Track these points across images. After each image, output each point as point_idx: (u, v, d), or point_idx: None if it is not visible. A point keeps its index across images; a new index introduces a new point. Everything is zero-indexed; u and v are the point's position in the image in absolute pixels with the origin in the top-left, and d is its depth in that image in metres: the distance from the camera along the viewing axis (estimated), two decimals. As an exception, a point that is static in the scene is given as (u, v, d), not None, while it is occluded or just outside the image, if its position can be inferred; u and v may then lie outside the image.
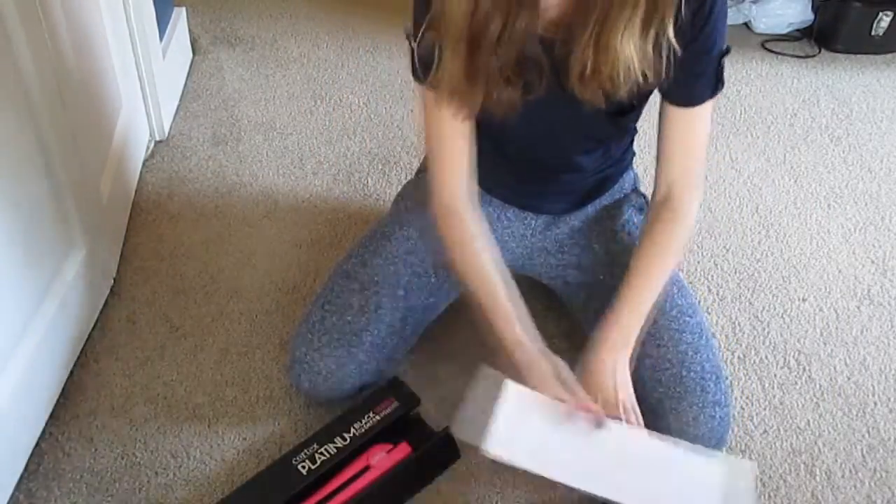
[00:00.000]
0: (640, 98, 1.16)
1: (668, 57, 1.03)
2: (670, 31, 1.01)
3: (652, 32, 1.01)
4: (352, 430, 1.21)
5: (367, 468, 1.18)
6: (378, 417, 1.23)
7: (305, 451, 1.18)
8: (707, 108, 1.16)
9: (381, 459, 1.19)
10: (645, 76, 1.03)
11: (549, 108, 1.14)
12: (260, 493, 1.15)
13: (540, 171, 1.31)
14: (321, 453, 1.18)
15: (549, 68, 1.08)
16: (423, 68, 1.11)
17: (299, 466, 1.17)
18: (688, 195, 1.22)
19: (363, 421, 1.22)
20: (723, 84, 1.14)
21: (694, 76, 1.11)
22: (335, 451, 1.18)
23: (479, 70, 1.06)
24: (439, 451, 1.24)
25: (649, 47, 1.02)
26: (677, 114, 1.17)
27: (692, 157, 1.21)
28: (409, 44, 1.12)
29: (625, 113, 1.19)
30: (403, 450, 1.21)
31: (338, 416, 1.24)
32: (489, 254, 1.22)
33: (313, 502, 1.14)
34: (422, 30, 1.07)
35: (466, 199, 1.24)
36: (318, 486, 1.15)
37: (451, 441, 1.24)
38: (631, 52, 1.00)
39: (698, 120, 1.18)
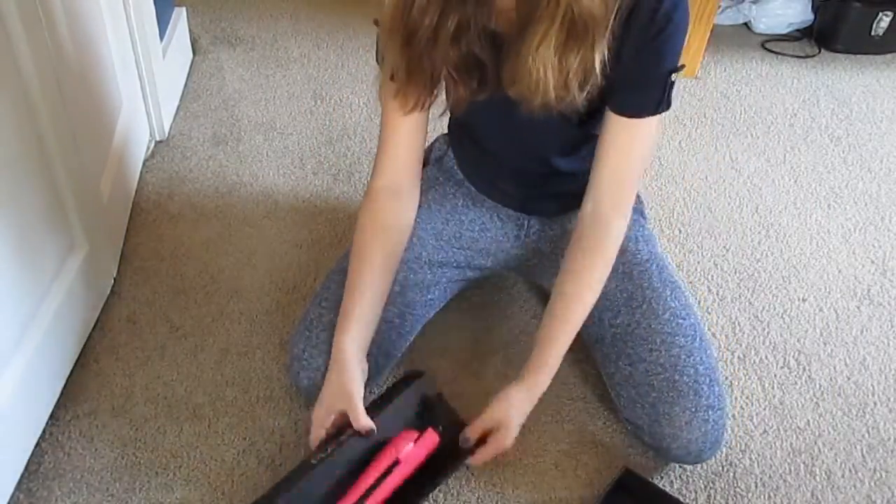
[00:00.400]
0: (595, 110, 1.13)
1: (592, 86, 1.02)
2: (597, 62, 0.99)
3: (574, 57, 0.99)
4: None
5: (397, 462, 1.13)
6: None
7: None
8: (649, 125, 1.12)
9: (410, 452, 1.13)
10: (560, 97, 1.02)
11: (507, 110, 1.12)
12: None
13: (524, 173, 1.31)
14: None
15: (494, 68, 1.08)
16: (379, 56, 1.14)
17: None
18: (615, 220, 1.17)
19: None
20: (668, 104, 1.11)
21: (637, 86, 1.08)
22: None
23: (417, 65, 1.06)
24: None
25: (570, 70, 1.00)
26: (617, 123, 1.12)
27: (625, 176, 1.16)
28: (377, 28, 1.14)
29: (589, 119, 1.16)
30: (431, 438, 1.16)
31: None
32: (378, 259, 1.22)
33: (349, 502, 1.10)
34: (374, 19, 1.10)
35: (398, 193, 1.25)
36: (350, 483, 1.11)
37: None
38: (540, 68, 0.99)
39: (638, 135, 1.13)
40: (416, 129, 1.22)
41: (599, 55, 1.00)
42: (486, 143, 1.29)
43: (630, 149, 1.15)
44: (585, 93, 1.03)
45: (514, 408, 1.15)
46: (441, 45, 1.04)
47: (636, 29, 1.02)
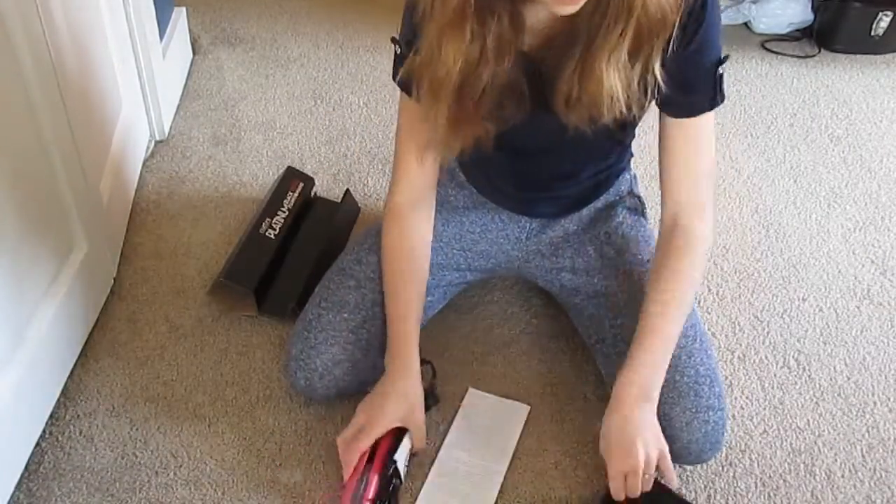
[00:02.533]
0: (630, 121, 1.14)
1: (652, 90, 1.01)
2: (657, 67, 0.99)
3: (639, 65, 0.99)
4: (284, 204, 1.58)
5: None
6: (296, 195, 1.61)
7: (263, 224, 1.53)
8: (707, 120, 1.12)
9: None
10: (629, 108, 1.02)
11: (539, 128, 1.13)
12: (247, 262, 1.47)
13: (536, 179, 1.31)
14: (276, 223, 1.53)
15: (534, 91, 1.07)
16: (403, 74, 1.10)
17: (267, 233, 1.51)
18: (697, 220, 1.17)
19: (288, 198, 1.59)
20: (723, 97, 1.11)
21: (688, 88, 1.08)
22: (283, 218, 1.55)
23: (463, 117, 1.04)
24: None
25: (636, 79, 1.00)
26: (676, 126, 1.13)
27: (697, 175, 1.16)
28: (394, 46, 1.13)
29: (622, 129, 1.16)
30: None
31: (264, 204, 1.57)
32: (415, 271, 1.24)
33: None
34: (403, 26, 1.07)
35: (419, 204, 1.25)
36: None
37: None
38: (616, 81, 0.98)
39: (699, 133, 1.13)
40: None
41: (659, 58, 0.99)
42: (503, 157, 1.25)
43: (696, 149, 1.14)
44: (650, 98, 1.03)
45: (629, 424, 1.11)
46: (490, 92, 1.02)
47: (678, 31, 1.01)
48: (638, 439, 1.09)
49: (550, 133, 1.13)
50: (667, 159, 1.16)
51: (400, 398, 1.19)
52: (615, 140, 1.21)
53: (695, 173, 1.16)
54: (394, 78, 1.16)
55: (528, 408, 1.32)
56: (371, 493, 1.11)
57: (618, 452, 1.10)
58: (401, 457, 1.17)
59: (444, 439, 1.27)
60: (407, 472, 1.20)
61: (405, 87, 1.12)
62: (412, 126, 1.17)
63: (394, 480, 1.16)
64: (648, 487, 1.10)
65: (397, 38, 1.12)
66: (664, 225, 1.19)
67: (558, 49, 1.02)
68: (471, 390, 1.33)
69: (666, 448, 1.12)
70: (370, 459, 1.15)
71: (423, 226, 1.27)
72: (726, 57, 1.09)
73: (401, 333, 1.23)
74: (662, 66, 1.01)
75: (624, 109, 1.01)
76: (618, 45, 0.96)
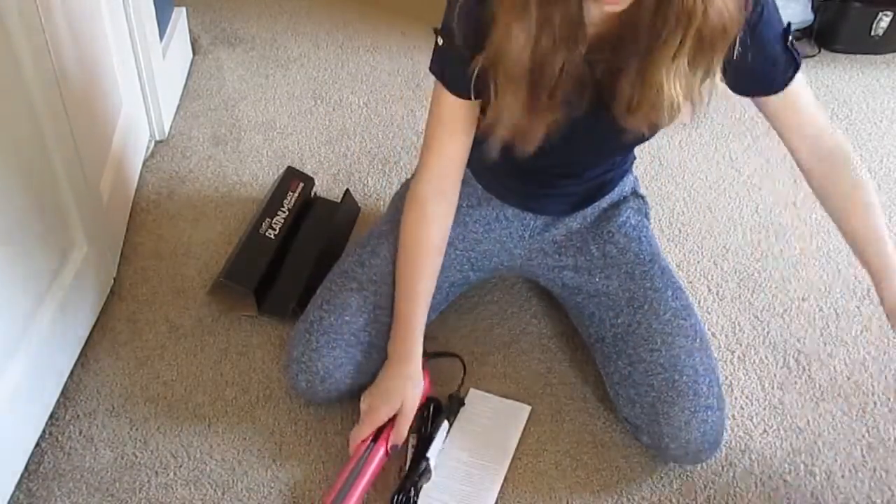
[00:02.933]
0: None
1: (710, 93, 1.03)
2: (719, 74, 1.00)
3: (700, 71, 1.00)
4: (284, 204, 1.58)
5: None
6: (296, 195, 1.61)
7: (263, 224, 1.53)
8: (799, 82, 1.14)
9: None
10: (686, 112, 1.03)
11: (584, 128, 1.13)
12: (247, 262, 1.47)
13: (545, 177, 1.31)
14: (276, 223, 1.54)
15: (592, 90, 1.07)
16: (441, 64, 1.13)
17: (267, 233, 1.52)
18: (836, 144, 1.18)
19: (288, 198, 1.60)
20: (800, 60, 1.12)
21: (769, 66, 1.10)
22: (283, 218, 1.55)
23: (540, 104, 1.05)
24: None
25: (697, 85, 1.01)
26: (775, 101, 1.15)
27: (815, 126, 1.18)
28: (435, 39, 1.13)
29: (653, 131, 1.17)
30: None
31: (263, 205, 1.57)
32: (432, 261, 1.25)
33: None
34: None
35: (444, 191, 1.25)
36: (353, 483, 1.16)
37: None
38: (677, 88, 0.99)
39: (798, 96, 1.16)
40: (467, 145, 1.21)
41: (721, 65, 1.00)
42: (519, 154, 1.24)
43: (802, 109, 1.17)
44: (708, 100, 1.04)
45: None
46: (565, 80, 1.02)
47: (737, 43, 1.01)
48: None
49: (597, 134, 1.14)
50: (786, 131, 1.19)
51: (399, 383, 1.20)
52: (643, 141, 1.22)
53: (813, 126, 1.18)
54: (431, 68, 1.16)
55: (529, 408, 1.32)
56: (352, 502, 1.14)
57: None
58: (434, 453, 1.20)
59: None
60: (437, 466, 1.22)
61: (476, 90, 1.10)
62: (448, 117, 1.17)
63: (422, 478, 1.19)
64: None
65: (438, 29, 1.12)
66: (810, 166, 1.20)
67: (616, 51, 1.02)
68: (472, 391, 1.33)
69: None
70: (374, 439, 1.18)
71: (443, 219, 1.26)
72: (789, 25, 1.10)
73: (406, 320, 1.23)
74: (724, 72, 1.02)
75: (686, 117, 1.03)
76: (678, 53, 0.96)
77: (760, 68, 1.09)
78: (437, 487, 1.19)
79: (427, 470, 1.18)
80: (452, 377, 1.37)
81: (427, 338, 1.27)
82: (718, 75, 1.01)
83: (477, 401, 1.33)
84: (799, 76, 1.14)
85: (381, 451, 1.18)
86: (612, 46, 1.03)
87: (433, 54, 1.15)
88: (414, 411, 1.21)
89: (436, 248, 1.26)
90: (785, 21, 1.09)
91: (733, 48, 1.01)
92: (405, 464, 1.21)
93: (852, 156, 1.19)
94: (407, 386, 1.20)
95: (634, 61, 1.00)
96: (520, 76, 1.01)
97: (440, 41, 1.12)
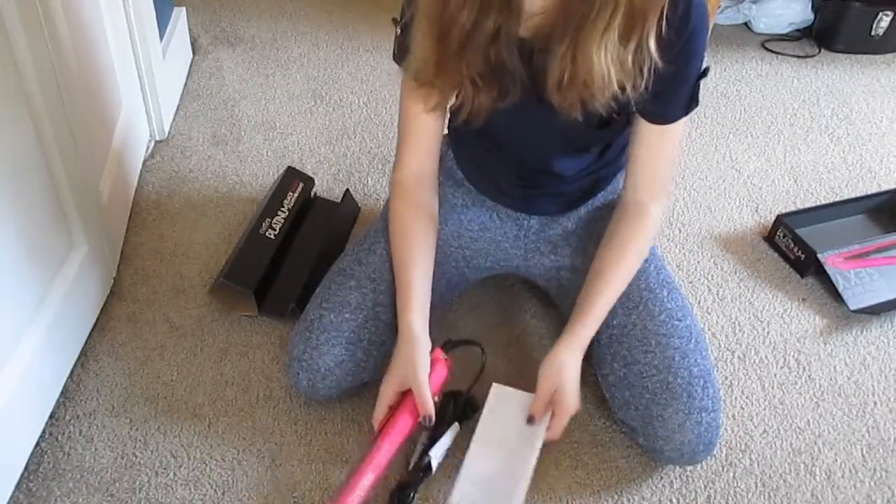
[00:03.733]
0: (620, 111, 1.13)
1: (648, 70, 1.01)
2: (651, 43, 0.99)
3: (632, 44, 0.99)
4: (284, 204, 1.58)
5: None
6: (296, 195, 1.61)
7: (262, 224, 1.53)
8: (679, 125, 1.16)
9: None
10: (623, 88, 1.02)
11: (526, 114, 1.14)
12: (247, 262, 1.46)
13: (526, 174, 1.31)
14: (276, 223, 1.54)
15: (526, 76, 1.08)
16: (402, 52, 1.15)
17: (267, 233, 1.52)
18: (652, 204, 1.24)
19: (288, 198, 1.60)
20: (697, 103, 1.14)
21: (668, 95, 1.10)
22: (283, 218, 1.55)
23: (447, 64, 1.06)
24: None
25: (629, 58, 1.00)
26: (649, 130, 1.17)
27: (659, 170, 1.22)
28: (395, 27, 1.15)
29: (606, 125, 1.17)
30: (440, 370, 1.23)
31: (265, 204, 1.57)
32: (422, 236, 1.26)
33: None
34: (404, 8, 1.10)
35: (423, 180, 1.28)
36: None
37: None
38: (608, 61, 0.99)
39: (669, 136, 1.18)
40: (437, 126, 1.24)
41: (654, 37, 0.99)
42: (493, 147, 1.29)
43: (663, 150, 1.20)
44: (645, 79, 1.03)
45: (566, 368, 1.17)
46: (472, 49, 1.03)
47: (668, 36, 1.00)
48: (564, 379, 1.17)
49: (541, 121, 1.14)
50: (636, 154, 1.21)
51: (401, 356, 1.19)
52: (607, 131, 1.21)
53: (658, 168, 1.23)
54: (394, 57, 1.19)
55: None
56: None
57: (544, 385, 1.18)
58: (437, 452, 1.19)
59: (471, 435, 1.25)
60: (440, 465, 1.21)
61: (404, 51, 1.14)
62: (412, 100, 1.19)
63: (422, 473, 1.19)
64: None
65: (396, 18, 1.15)
66: (621, 201, 1.26)
67: (549, 35, 1.03)
68: (494, 385, 1.30)
69: (576, 395, 1.18)
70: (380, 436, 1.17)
71: (429, 200, 1.29)
72: (707, 69, 1.11)
73: (405, 290, 1.22)
74: (658, 41, 1.01)
75: (617, 90, 1.02)
76: (609, 26, 0.96)
77: (668, 80, 1.06)
78: (470, 484, 1.16)
79: (428, 468, 1.18)
80: (468, 372, 1.37)
81: (448, 325, 1.25)
82: (652, 45, 1.00)
83: (502, 395, 1.28)
84: (684, 120, 1.16)
85: (389, 443, 1.15)
86: (549, 30, 1.03)
87: (394, 44, 1.19)
88: (425, 380, 1.16)
89: (428, 226, 1.27)
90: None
91: (661, 25, 0.99)
92: (410, 461, 1.21)
93: (651, 225, 1.24)
94: (410, 354, 1.17)
95: (567, 39, 1.00)
96: (430, 15, 1.03)
97: (399, 31, 1.15)
